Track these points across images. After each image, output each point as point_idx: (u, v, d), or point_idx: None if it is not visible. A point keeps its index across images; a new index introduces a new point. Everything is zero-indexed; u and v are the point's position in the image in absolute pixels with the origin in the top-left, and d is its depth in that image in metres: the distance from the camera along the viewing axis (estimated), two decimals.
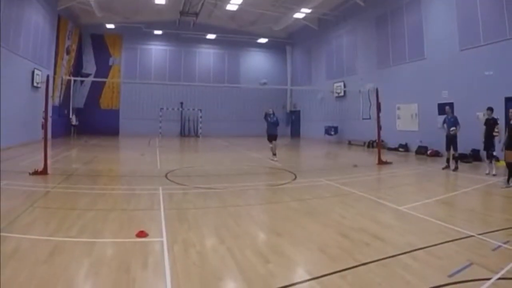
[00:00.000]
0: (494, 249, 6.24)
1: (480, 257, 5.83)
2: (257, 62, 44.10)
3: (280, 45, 43.90)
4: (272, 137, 19.54)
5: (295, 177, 14.14)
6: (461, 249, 6.26)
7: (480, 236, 6.88)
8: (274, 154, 19.25)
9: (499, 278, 5.08)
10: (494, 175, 14.35)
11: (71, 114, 30.81)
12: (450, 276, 5.12)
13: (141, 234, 6.85)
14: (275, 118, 19.76)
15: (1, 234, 6.63)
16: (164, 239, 6.70)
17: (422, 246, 6.35)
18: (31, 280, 4.89)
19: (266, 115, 19.70)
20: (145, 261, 5.69)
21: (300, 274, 5.42)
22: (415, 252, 6.08)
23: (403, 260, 5.79)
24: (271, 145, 19.50)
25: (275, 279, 5.13)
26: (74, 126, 33.84)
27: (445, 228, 7.47)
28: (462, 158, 17.82)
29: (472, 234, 6.99)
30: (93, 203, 9.47)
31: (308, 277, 5.18)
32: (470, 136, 17.60)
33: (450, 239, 6.76)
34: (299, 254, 6.23)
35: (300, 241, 6.79)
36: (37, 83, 25.62)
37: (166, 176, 13.97)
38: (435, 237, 6.88)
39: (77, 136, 32.88)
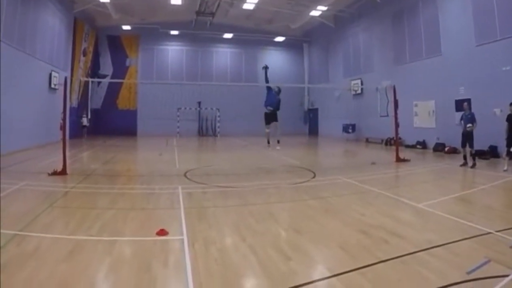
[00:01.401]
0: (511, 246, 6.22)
1: (498, 254, 5.84)
2: (274, 61, 43.87)
3: (297, 43, 43.83)
4: (271, 117, 16.65)
5: (314, 175, 14.19)
6: (479, 246, 6.28)
7: (498, 233, 6.88)
8: (278, 142, 16.59)
9: None
10: None
11: (87, 115, 31.17)
12: (468, 273, 5.14)
13: (162, 232, 6.94)
14: (278, 98, 16.82)
15: (21, 233, 6.80)
16: (185, 237, 6.78)
17: (441, 243, 6.38)
18: (52, 279, 4.98)
19: (270, 88, 17.05)
20: (166, 259, 5.78)
21: (321, 271, 5.50)
22: (433, 249, 6.12)
23: (421, 257, 5.83)
24: (267, 130, 16.85)
25: (297, 276, 5.21)
26: (85, 127, 33.66)
27: (463, 225, 7.48)
28: (480, 154, 17.69)
29: (490, 231, 6.99)
30: (112, 203, 9.61)
31: (329, 274, 5.25)
32: (488, 133, 17.50)
33: (468, 236, 6.78)
34: (319, 251, 6.31)
35: (320, 239, 6.87)
36: (55, 85, 25.92)
37: (185, 175, 14.09)
38: (453, 234, 6.90)
39: (88, 138, 32.70)
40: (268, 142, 16.79)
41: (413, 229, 7.33)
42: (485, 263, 5.48)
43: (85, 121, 33.06)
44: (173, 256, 5.94)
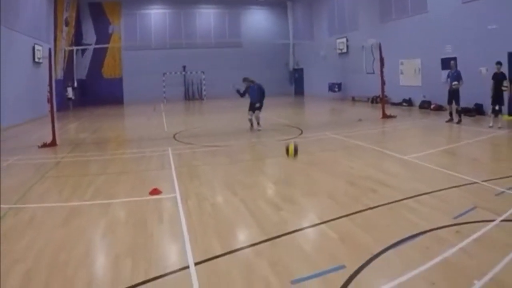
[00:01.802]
0: (497, 194, 6.41)
1: (484, 202, 6.02)
2: (258, 21, 43.54)
3: (281, 2, 43.09)
4: (256, 107, 15.54)
5: (301, 132, 14.39)
6: (465, 194, 6.48)
7: (484, 183, 7.04)
8: (258, 123, 15.47)
9: (503, 220, 5.27)
10: (499, 127, 14.39)
11: (73, 86, 30.70)
12: (455, 218, 5.33)
13: (155, 191, 7.09)
14: (261, 89, 15.68)
15: (16, 206, 6.83)
16: (178, 195, 6.93)
17: (427, 191, 6.57)
18: (51, 243, 5.09)
19: (246, 89, 15.85)
20: (161, 216, 5.94)
21: (311, 219, 5.67)
22: (420, 197, 6.31)
23: (409, 204, 6.02)
24: (250, 117, 15.70)
25: (288, 225, 5.39)
26: (70, 99, 32.41)
27: (450, 176, 7.66)
28: (466, 112, 17.79)
29: (476, 181, 7.16)
30: (103, 168, 9.72)
31: (319, 221, 5.43)
32: (474, 91, 17.61)
33: (455, 185, 6.96)
34: (309, 201, 6.48)
35: (310, 190, 7.05)
36: (39, 58, 25.30)
37: (174, 137, 14.19)
38: (440, 183, 7.07)
39: (74, 110, 31.71)
40: (252, 125, 15.56)
41: (400, 179, 7.53)
42: (472, 209, 5.67)
43: (70, 93, 32.07)
44: (167, 213, 6.09)
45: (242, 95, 15.91)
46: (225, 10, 41.68)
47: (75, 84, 22.15)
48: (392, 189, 6.80)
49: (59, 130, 15.07)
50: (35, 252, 4.83)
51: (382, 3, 27.24)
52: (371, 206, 5.92)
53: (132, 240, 5.11)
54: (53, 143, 13.64)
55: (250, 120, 15.64)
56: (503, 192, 6.49)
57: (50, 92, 15.00)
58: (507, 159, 9.93)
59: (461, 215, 5.44)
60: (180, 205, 6.37)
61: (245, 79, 15.92)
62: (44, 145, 13.47)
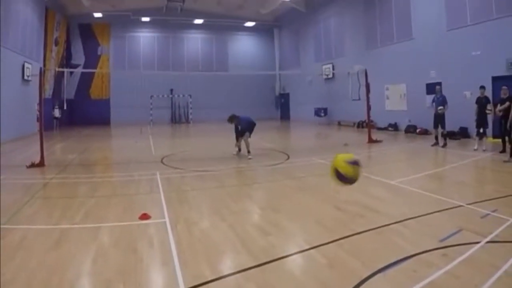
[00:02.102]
0: (482, 217, 6.55)
1: (469, 224, 6.15)
2: (245, 46, 44.06)
3: (267, 29, 43.83)
4: (242, 134, 14.89)
5: (288, 157, 14.46)
6: (451, 218, 6.60)
7: (469, 206, 7.20)
8: (248, 151, 14.50)
9: (488, 242, 5.39)
10: (484, 150, 14.67)
11: (60, 106, 30.67)
12: (441, 241, 5.44)
13: (144, 216, 7.08)
14: (246, 119, 15.03)
15: (6, 226, 6.77)
16: (167, 219, 6.95)
17: (414, 215, 6.67)
18: (42, 266, 5.06)
19: (237, 125, 15.12)
20: (151, 241, 5.94)
21: (299, 244, 5.69)
22: (407, 221, 6.41)
23: (396, 228, 6.11)
24: (238, 143, 15.27)
25: (276, 250, 5.43)
26: (57, 119, 32.25)
27: (435, 199, 7.79)
28: (451, 135, 18.11)
29: (461, 204, 7.31)
30: (93, 191, 9.65)
31: (307, 247, 5.47)
32: (459, 115, 17.94)
33: (440, 208, 7.08)
34: (297, 226, 6.53)
35: (297, 215, 7.10)
36: (28, 76, 25.46)
37: (161, 161, 14.19)
38: (426, 207, 7.19)
39: (61, 129, 31.64)
40: (239, 149, 15.10)
41: (387, 204, 7.63)
42: (457, 232, 5.79)
43: (57, 113, 31.99)
44: (157, 238, 6.09)
45: (239, 133, 14.89)
46: (212, 36, 42.27)
47: (65, 105, 22.04)
48: (379, 214, 6.89)
49: (46, 150, 15.02)
50: (27, 274, 4.82)
51: (368, 30, 27.73)
52: (359, 231, 5.99)
53: (123, 265, 5.10)
54: (41, 163, 13.61)
55: (238, 146, 15.06)
56: (487, 214, 6.65)
57: (40, 111, 14.91)
58: (491, 182, 10.20)
59: (447, 238, 5.55)
60: (169, 230, 6.38)
61: (232, 118, 15.02)
62: (32, 165, 13.42)
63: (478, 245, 5.25)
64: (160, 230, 6.43)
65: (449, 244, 5.33)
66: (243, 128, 14.75)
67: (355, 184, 9.35)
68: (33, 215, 7.63)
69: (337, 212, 7.17)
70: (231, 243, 5.76)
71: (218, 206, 7.83)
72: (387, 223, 6.33)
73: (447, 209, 7.08)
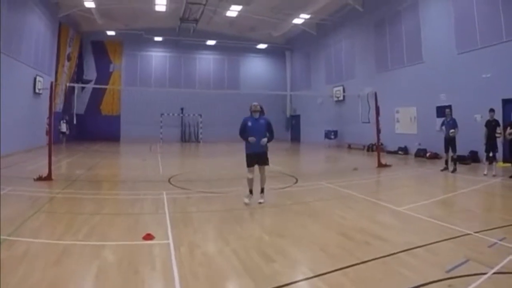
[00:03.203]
0: (490, 246, 6.42)
1: (476, 254, 6.02)
2: (256, 68, 44.31)
3: (279, 51, 44.11)
4: (257, 157, 10.31)
5: (296, 181, 14.34)
6: (458, 247, 6.47)
7: (476, 234, 7.07)
8: (262, 190, 10.47)
9: (495, 273, 5.26)
10: (494, 175, 14.57)
11: (67, 121, 30.85)
12: (447, 271, 5.31)
13: (148, 237, 7.04)
14: (267, 121, 10.42)
15: (10, 238, 6.83)
16: (171, 241, 6.88)
17: (421, 244, 6.55)
18: (42, 282, 5.04)
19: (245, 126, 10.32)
20: (153, 262, 5.86)
21: (304, 272, 5.59)
22: (413, 250, 6.28)
23: (402, 257, 5.99)
24: (250, 175, 10.31)
25: (280, 277, 5.31)
26: (64, 133, 32.56)
27: (443, 227, 7.67)
28: (461, 159, 17.95)
29: (469, 232, 7.19)
30: (99, 208, 9.64)
31: (312, 275, 5.37)
32: (469, 138, 17.81)
33: (448, 237, 6.96)
34: (302, 253, 6.42)
35: (303, 242, 6.99)
36: (39, 89, 25.78)
37: (169, 181, 14.15)
38: (433, 235, 7.07)
39: (68, 145, 31.79)
40: (251, 192, 10.40)
41: (393, 232, 7.50)
42: (464, 262, 5.66)
43: (63, 127, 32.28)
44: (159, 259, 6.02)
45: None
46: (224, 57, 42.57)
47: (74, 120, 22.19)
48: (385, 242, 6.78)
49: (54, 164, 15.08)
50: None
51: (378, 53, 27.81)
52: (364, 259, 5.88)
53: (123, 286, 5.06)
54: (48, 177, 13.72)
55: (251, 181, 10.35)
56: (495, 243, 6.53)
57: (50, 124, 14.97)
58: (499, 209, 10.11)
59: (453, 268, 5.41)
60: (172, 252, 6.31)
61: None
62: (40, 178, 13.56)
63: (484, 277, 5.13)
64: (163, 252, 6.36)
65: (455, 275, 5.20)
66: (251, 129, 10.16)
67: (363, 210, 9.38)
68: (37, 229, 7.64)
69: (343, 239, 7.06)
70: (234, 269, 5.67)
71: (223, 229, 7.75)
72: (393, 251, 6.21)
73: (454, 237, 6.95)
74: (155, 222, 8.34)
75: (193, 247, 6.63)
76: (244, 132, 10.27)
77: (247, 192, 10.38)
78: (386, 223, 8.26)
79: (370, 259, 5.90)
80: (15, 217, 8.24)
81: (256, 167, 10.38)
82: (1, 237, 6.76)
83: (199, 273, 5.48)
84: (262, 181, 10.50)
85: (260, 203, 10.21)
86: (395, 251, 6.23)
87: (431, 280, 5.04)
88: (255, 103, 10.36)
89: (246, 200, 10.18)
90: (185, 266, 5.72)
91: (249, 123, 10.22)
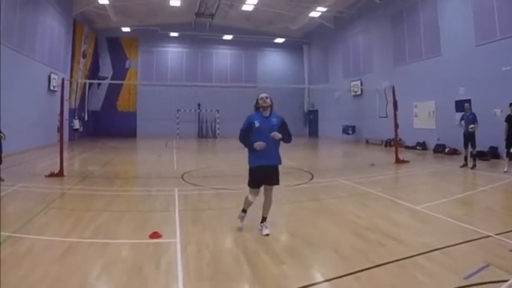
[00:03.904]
0: (511, 250, 6.09)
1: (497, 258, 5.70)
2: (274, 62, 44.08)
3: (296, 45, 43.79)
4: (266, 173, 7.40)
5: (312, 177, 14.10)
6: (477, 250, 6.15)
7: (497, 237, 6.74)
8: (264, 219, 7.57)
9: None
10: None
11: (80, 117, 30.91)
12: (466, 278, 5.01)
13: (155, 235, 6.90)
14: (274, 120, 7.36)
15: (16, 235, 6.79)
16: (178, 240, 6.74)
17: (438, 246, 6.25)
18: (44, 279, 4.98)
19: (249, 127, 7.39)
20: (158, 262, 5.71)
21: (314, 275, 5.38)
22: (430, 253, 6.00)
23: (418, 261, 5.71)
24: (251, 198, 7.55)
25: (288, 281, 5.10)
26: (77, 130, 32.57)
27: (462, 228, 7.37)
28: (480, 156, 17.56)
29: (489, 234, 6.86)
30: (108, 205, 9.55)
31: (322, 279, 5.13)
32: (488, 133, 17.39)
33: (467, 239, 6.65)
34: (313, 255, 6.18)
35: (315, 242, 6.74)
36: (54, 86, 25.96)
37: (182, 177, 14.01)
38: (451, 237, 6.77)
39: (85, 141, 31.82)
40: (244, 211, 7.74)
41: (410, 232, 7.20)
42: (484, 267, 5.35)
43: (76, 124, 32.26)
44: (165, 259, 5.86)
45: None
46: (241, 51, 42.41)
47: (86, 116, 22.26)
48: (401, 244, 6.48)
49: (69, 160, 15.12)
50: (29, 286, 4.78)
51: (396, 46, 27.43)
52: (378, 263, 5.60)
53: (126, 285, 4.95)
54: (60, 174, 13.71)
55: (250, 204, 7.61)
56: None
57: (61, 121, 14.99)
58: None
59: (472, 274, 5.10)
60: (179, 251, 6.15)
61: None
62: (51, 175, 13.54)
63: (506, 284, 4.82)
64: (170, 251, 6.21)
65: (474, 282, 4.89)
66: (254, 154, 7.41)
67: (379, 208, 9.09)
68: (44, 226, 7.56)
69: (357, 239, 6.79)
70: (241, 271, 5.47)
71: (233, 228, 7.52)
72: (409, 254, 5.92)
73: (474, 239, 6.63)
74: (164, 219, 8.21)
75: (201, 246, 6.45)
76: (247, 135, 7.31)
77: (240, 212, 7.68)
78: (403, 222, 7.97)
79: (385, 263, 5.62)
80: (22, 214, 8.22)
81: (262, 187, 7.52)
82: (5, 234, 6.72)
83: (204, 275, 5.32)
84: (266, 207, 7.55)
85: (266, 235, 7.13)
86: (411, 254, 5.94)
87: (449, 287, 4.76)
88: (264, 95, 7.40)
89: (239, 224, 7.52)
90: (190, 267, 5.56)
91: (257, 123, 7.21)
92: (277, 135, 7.06)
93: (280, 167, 7.49)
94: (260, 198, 7.50)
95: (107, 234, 7.09)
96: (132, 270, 5.37)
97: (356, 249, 6.27)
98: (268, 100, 7.37)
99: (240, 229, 7.44)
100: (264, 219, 7.53)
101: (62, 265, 5.48)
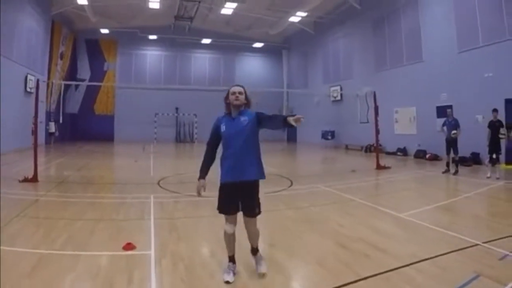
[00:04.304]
0: (501, 259, 5.91)
1: (487, 268, 5.50)
2: (253, 67, 44.03)
3: (276, 50, 43.81)
4: (240, 192, 5.61)
5: (291, 184, 13.82)
6: (466, 260, 5.93)
7: (485, 245, 6.55)
8: (254, 250, 5.86)
9: None
10: (497, 178, 14.15)
11: (55, 120, 30.32)
12: None
13: (129, 246, 6.55)
14: (244, 120, 5.56)
15: None
16: (152, 252, 6.40)
17: (426, 257, 6.00)
18: None
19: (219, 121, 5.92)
20: (131, 276, 5.39)
21: None
22: (418, 264, 5.74)
23: (406, 272, 5.45)
24: (228, 229, 5.66)
25: None
26: (52, 134, 31.65)
27: (448, 236, 7.14)
28: (462, 161, 17.56)
29: (477, 242, 6.66)
30: (81, 213, 9.17)
31: None
32: (470, 139, 17.39)
33: (454, 248, 6.41)
34: (295, 267, 5.91)
35: (297, 253, 6.44)
36: (30, 88, 25.50)
37: (158, 183, 13.66)
38: (439, 246, 6.54)
39: (58, 146, 30.83)
40: (232, 260, 5.66)
41: (395, 242, 6.93)
42: (474, 278, 5.16)
43: (52, 128, 31.51)
44: (138, 272, 5.53)
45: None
46: (220, 55, 42.45)
47: (61, 119, 21.80)
48: (386, 254, 6.20)
49: (44, 164, 14.72)
50: None
51: (377, 52, 27.44)
52: (364, 275, 5.30)
53: None
54: (34, 179, 13.29)
55: (230, 238, 5.75)
56: (506, 255, 6.00)
57: (35, 124, 14.57)
58: (507, 215, 9.31)
59: (463, 286, 4.90)
60: (153, 265, 5.82)
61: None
62: (25, 180, 13.12)
63: None
64: (143, 264, 5.86)
65: None
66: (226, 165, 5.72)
67: (362, 217, 8.81)
68: (14, 236, 7.17)
69: (341, 250, 6.49)
70: (217, 286, 5.15)
71: (209, 238, 7.20)
72: (396, 266, 5.65)
73: (461, 248, 6.40)
74: (139, 229, 7.83)
75: (176, 259, 6.10)
76: (214, 144, 5.84)
77: (226, 261, 5.66)
78: (387, 231, 7.68)
79: (371, 275, 5.33)
80: None
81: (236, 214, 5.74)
82: None
83: None
84: (252, 237, 5.83)
85: (262, 274, 5.47)
86: (398, 265, 5.67)
87: None
88: (238, 88, 5.59)
89: (227, 277, 5.28)
90: (164, 281, 5.25)
91: (222, 127, 5.68)
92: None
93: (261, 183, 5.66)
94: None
95: (79, 245, 6.74)
96: (102, 286, 5.07)
97: (340, 261, 5.97)
98: (242, 97, 5.52)
99: (229, 283, 5.20)
100: (255, 250, 5.78)
101: (32, 279, 5.18)
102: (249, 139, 5.46)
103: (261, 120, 5.47)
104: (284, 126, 5.00)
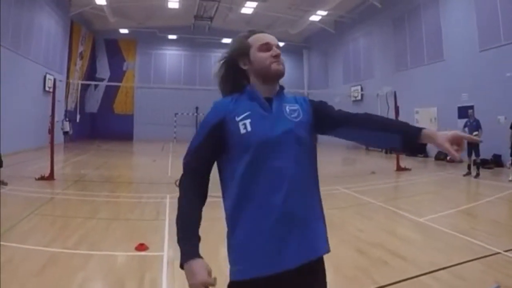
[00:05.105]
0: None
1: (508, 279, 5.27)
2: None
3: (296, 49, 43.48)
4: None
5: None
6: (487, 269, 5.70)
7: (506, 253, 6.30)
8: None
9: None
10: None
11: (71, 120, 30.38)
12: None
13: (141, 247, 6.48)
14: (295, 105, 2.53)
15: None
16: (165, 253, 6.31)
17: (445, 265, 5.79)
18: None
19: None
20: (142, 278, 5.32)
21: None
22: (437, 273, 5.54)
23: (425, 281, 5.25)
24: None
25: None
26: (67, 133, 30.59)
27: (469, 243, 6.91)
28: (484, 164, 17.19)
29: (498, 250, 6.41)
30: (95, 211, 9.15)
31: None
32: (492, 141, 17.00)
33: (475, 256, 6.19)
34: None
35: None
36: (49, 87, 25.59)
37: (175, 183, 13.54)
38: (459, 254, 6.32)
39: (69, 147, 28.96)
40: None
41: (415, 248, 6.74)
42: None
43: (66, 127, 30.58)
44: (149, 274, 5.46)
45: None
46: None
47: (77, 118, 21.89)
48: (405, 261, 6.01)
49: (62, 163, 14.72)
50: None
51: (397, 51, 27.09)
52: (382, 284, 5.14)
53: None
54: (50, 177, 13.33)
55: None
56: None
57: (52, 122, 14.76)
58: None
59: None
60: (164, 267, 5.72)
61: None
62: (42, 178, 13.17)
63: None
64: (155, 266, 5.78)
65: None
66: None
67: (381, 221, 8.61)
68: (27, 233, 7.18)
69: (359, 256, 6.33)
70: None
71: (224, 240, 7.05)
72: (414, 274, 5.45)
73: (482, 257, 6.16)
74: (153, 229, 7.78)
75: None
76: (205, 166, 2.42)
77: None
78: (407, 237, 7.49)
79: (389, 284, 5.16)
80: (6, 219, 7.79)
81: None
82: None
83: None
84: None
85: None
86: (417, 273, 5.47)
87: None
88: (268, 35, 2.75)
89: None
90: (175, 283, 5.16)
91: (244, 122, 2.28)
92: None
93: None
94: None
95: (91, 244, 6.68)
96: (113, 286, 5.00)
97: (359, 268, 5.81)
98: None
99: None
100: None
101: (40, 278, 5.11)
102: (307, 154, 2.46)
103: (332, 119, 2.67)
104: (410, 146, 2.25)
